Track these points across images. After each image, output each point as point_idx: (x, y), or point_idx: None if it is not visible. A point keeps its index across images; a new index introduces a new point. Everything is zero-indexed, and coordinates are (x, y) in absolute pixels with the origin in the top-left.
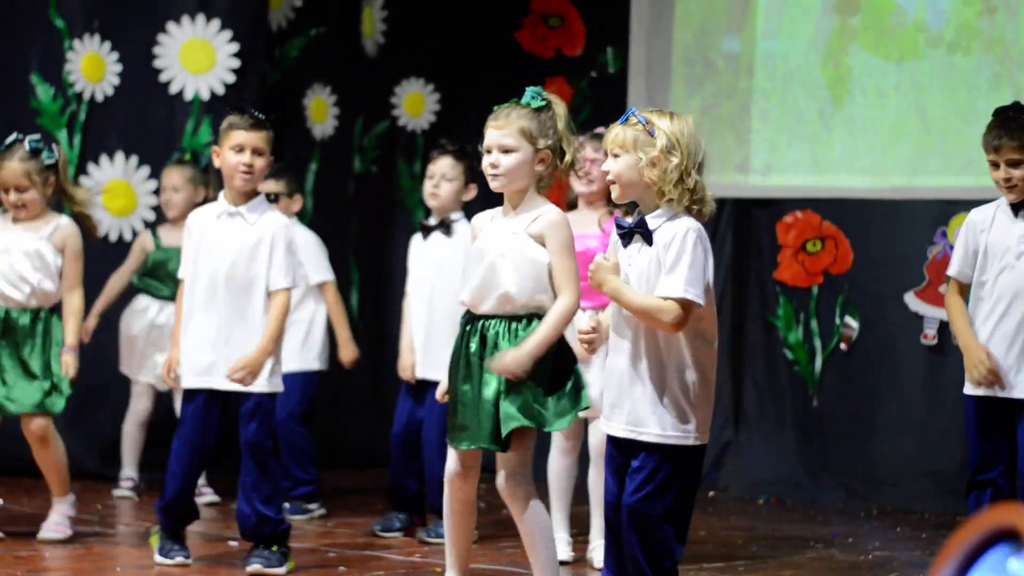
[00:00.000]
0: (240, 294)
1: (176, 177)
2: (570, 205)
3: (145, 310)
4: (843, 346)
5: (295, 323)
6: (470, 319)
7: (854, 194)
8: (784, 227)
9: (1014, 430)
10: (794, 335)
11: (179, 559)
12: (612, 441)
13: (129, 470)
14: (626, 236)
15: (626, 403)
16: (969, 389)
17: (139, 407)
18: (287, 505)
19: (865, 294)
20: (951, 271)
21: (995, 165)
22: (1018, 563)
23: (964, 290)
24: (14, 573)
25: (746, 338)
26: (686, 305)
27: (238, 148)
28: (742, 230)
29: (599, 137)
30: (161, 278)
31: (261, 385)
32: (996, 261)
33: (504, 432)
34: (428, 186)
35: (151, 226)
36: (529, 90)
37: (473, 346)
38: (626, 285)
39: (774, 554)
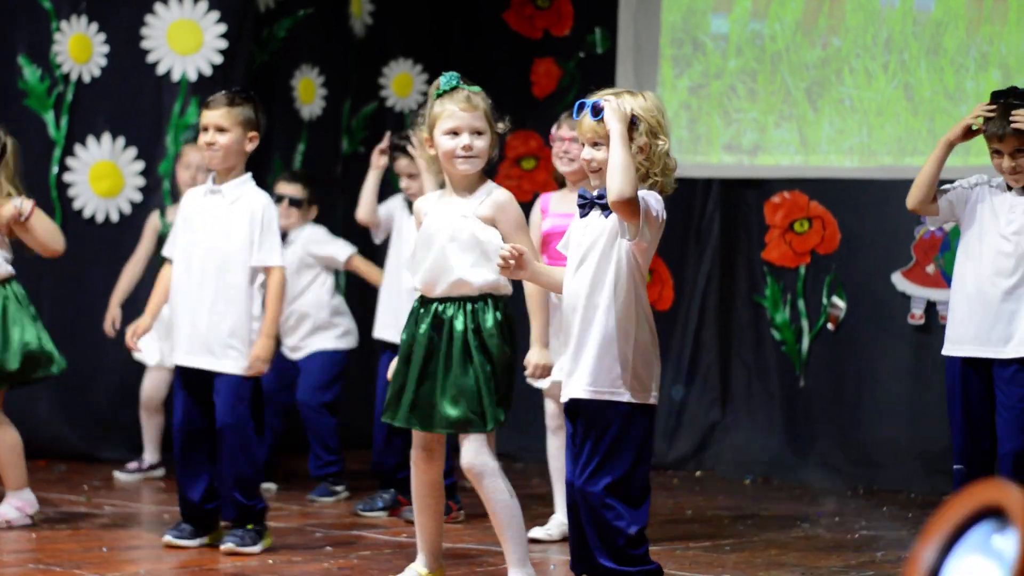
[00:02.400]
0: (217, 272)
1: (195, 155)
2: (560, 183)
3: None
4: (830, 326)
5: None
6: (423, 302)
7: (842, 174)
8: (772, 207)
9: (994, 398)
10: (781, 315)
11: (167, 538)
12: (569, 416)
13: (146, 454)
14: (586, 207)
15: (575, 369)
16: (949, 349)
17: (151, 391)
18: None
19: (852, 274)
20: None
21: (998, 153)
22: (1002, 540)
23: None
24: None
25: (733, 318)
26: (635, 202)
27: (203, 128)
28: (730, 210)
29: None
30: None
31: (227, 365)
32: (988, 229)
33: (439, 430)
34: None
35: (160, 207)
36: (452, 74)
37: (424, 328)
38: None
39: (761, 533)
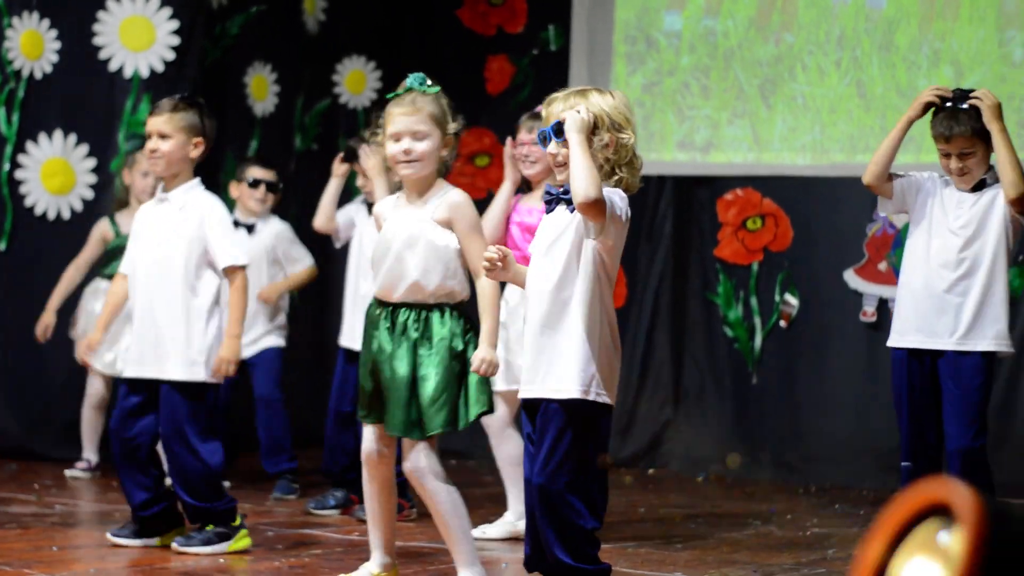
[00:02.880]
0: (167, 280)
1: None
2: (528, 185)
3: (102, 294)
4: (783, 323)
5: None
6: (379, 304)
7: (795, 171)
8: (725, 204)
9: (939, 391)
10: (734, 312)
11: (119, 539)
12: (528, 415)
13: (88, 452)
14: (552, 202)
15: (535, 365)
16: (895, 340)
17: (93, 391)
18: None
19: (805, 271)
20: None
21: (947, 155)
22: (948, 538)
23: (891, 179)
24: None
25: (686, 316)
26: (601, 203)
27: (147, 135)
28: (682, 208)
29: (537, 116)
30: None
31: (170, 372)
32: (936, 223)
33: (390, 432)
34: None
35: (109, 215)
36: (416, 76)
37: (383, 332)
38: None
39: (713, 531)
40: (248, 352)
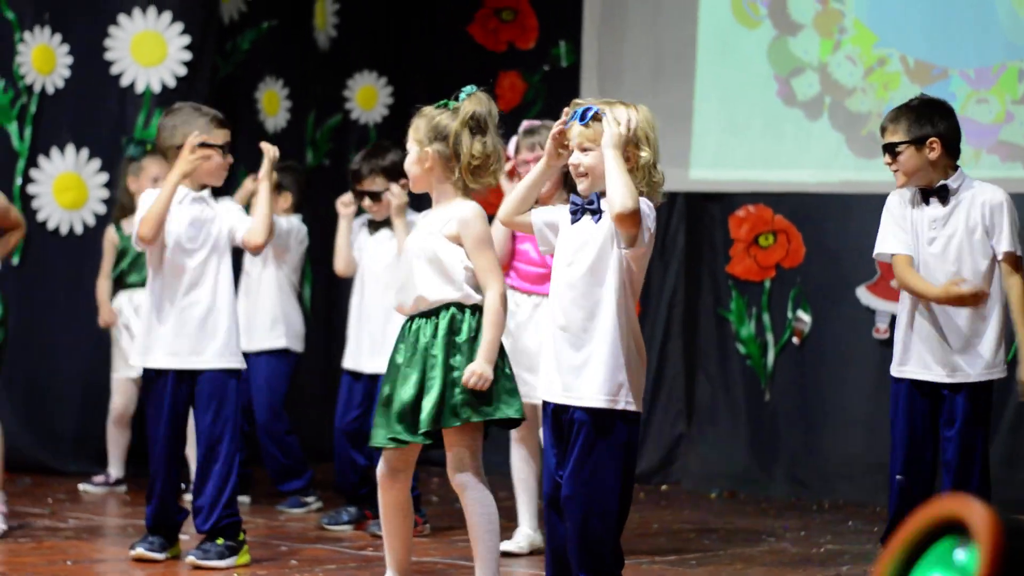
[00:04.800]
0: (200, 275)
1: (156, 168)
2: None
3: (118, 304)
4: (795, 340)
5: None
6: (406, 321)
7: (806, 188)
8: (736, 221)
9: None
10: (746, 329)
11: (138, 550)
12: (552, 423)
13: (111, 467)
14: (577, 212)
15: (562, 371)
16: (896, 371)
17: (114, 405)
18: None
19: (817, 288)
20: (896, 249)
21: (883, 150)
22: (964, 554)
23: (911, 262)
24: None
25: (699, 332)
26: (638, 215)
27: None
28: (694, 224)
29: (532, 132)
30: (128, 267)
31: (210, 361)
32: (912, 248)
33: (428, 426)
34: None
35: (114, 221)
36: (464, 90)
37: (401, 347)
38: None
39: (726, 547)
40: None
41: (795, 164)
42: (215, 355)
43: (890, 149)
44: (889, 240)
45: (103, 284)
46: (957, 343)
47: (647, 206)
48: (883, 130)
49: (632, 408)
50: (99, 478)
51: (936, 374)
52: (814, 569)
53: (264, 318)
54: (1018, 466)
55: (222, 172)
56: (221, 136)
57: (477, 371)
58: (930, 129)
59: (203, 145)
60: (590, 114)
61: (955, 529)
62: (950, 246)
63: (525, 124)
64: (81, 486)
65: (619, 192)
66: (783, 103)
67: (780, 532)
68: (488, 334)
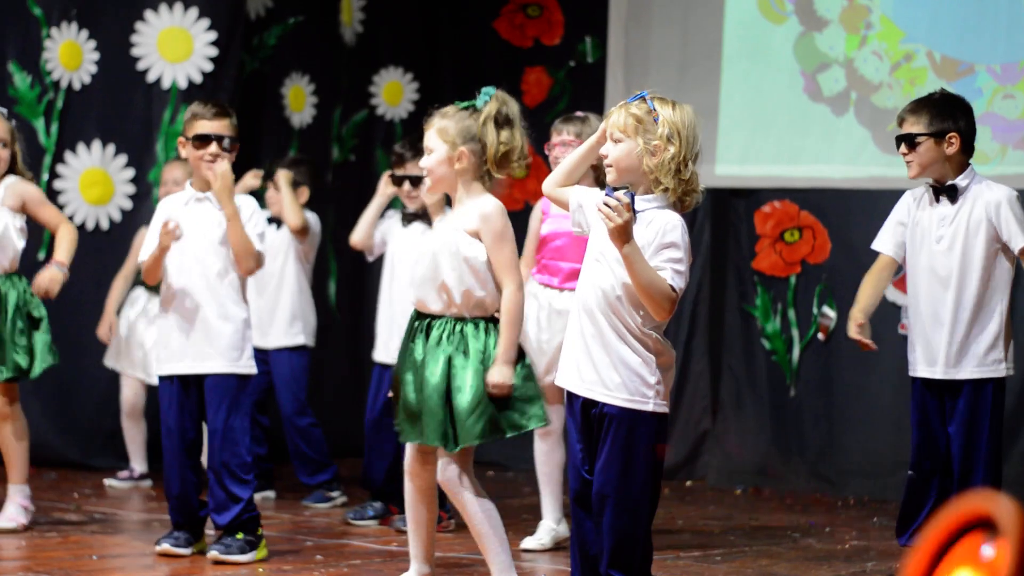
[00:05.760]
0: (211, 278)
1: (178, 171)
2: None
3: (138, 301)
4: (821, 336)
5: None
6: (418, 316)
7: (832, 184)
8: (762, 217)
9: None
10: (772, 325)
11: (164, 546)
12: (581, 410)
13: (132, 462)
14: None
15: (593, 366)
16: (910, 369)
17: (124, 399)
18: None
19: (843, 284)
20: (884, 249)
21: (899, 140)
22: (992, 551)
23: (892, 267)
24: None
25: (724, 328)
26: (675, 299)
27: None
28: (720, 220)
29: (570, 120)
30: None
31: (218, 365)
32: (921, 244)
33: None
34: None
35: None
36: (484, 89)
37: (418, 344)
38: (640, 256)
39: (751, 543)
40: (263, 345)
41: (821, 160)
42: (222, 359)
43: (909, 140)
44: (883, 238)
45: (118, 286)
46: (954, 340)
47: (680, 235)
48: (901, 121)
49: (661, 409)
50: (123, 473)
51: (936, 371)
52: (839, 565)
53: (284, 314)
54: None
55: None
56: (217, 127)
57: (497, 381)
58: (951, 124)
59: (197, 138)
60: (636, 98)
61: (983, 525)
62: (956, 243)
63: (576, 114)
64: (106, 481)
65: (647, 296)
66: (809, 99)
67: (805, 528)
68: (505, 334)
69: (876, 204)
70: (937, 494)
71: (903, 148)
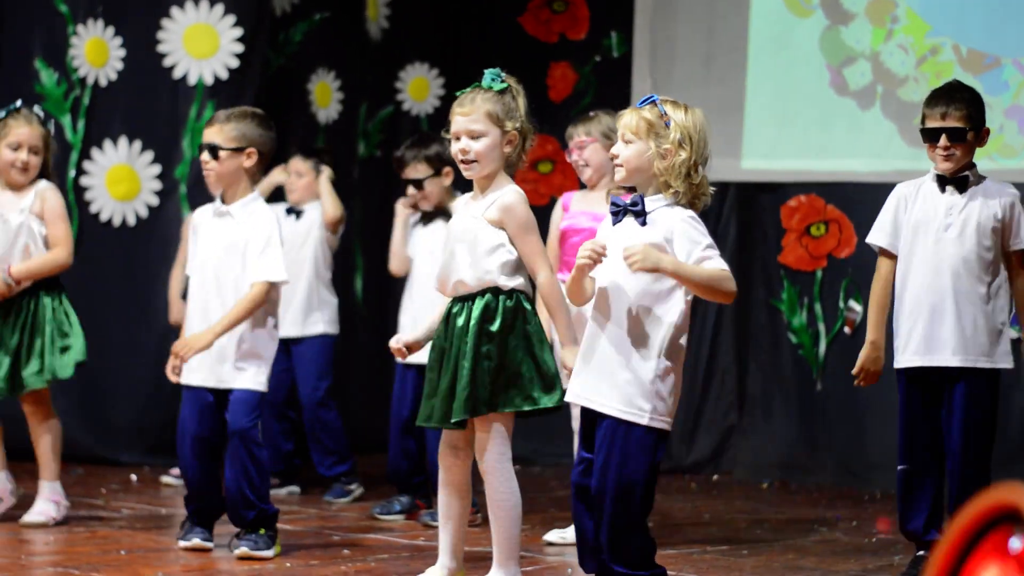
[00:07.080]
0: (226, 292)
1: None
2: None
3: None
4: (847, 330)
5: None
6: (449, 304)
7: (858, 178)
8: (788, 211)
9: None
10: (798, 319)
11: (195, 541)
12: (586, 421)
13: None
14: (619, 214)
15: (598, 377)
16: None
17: None
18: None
19: (869, 278)
20: (882, 242)
21: (935, 136)
22: (1019, 543)
23: (894, 265)
24: (17, 556)
25: (750, 322)
26: (730, 275)
27: (200, 148)
28: (746, 214)
29: (581, 121)
30: None
31: (244, 381)
32: (923, 234)
33: (458, 416)
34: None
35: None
36: (488, 72)
37: (441, 330)
38: (683, 263)
39: (778, 537)
40: (291, 333)
41: (847, 153)
42: (241, 376)
43: (959, 134)
44: (886, 231)
45: (178, 276)
46: (961, 330)
47: (697, 230)
48: (943, 114)
49: (659, 424)
50: (175, 470)
51: (936, 360)
52: (866, 559)
53: (300, 303)
54: None
55: (217, 178)
56: (207, 135)
57: (570, 364)
58: (984, 119)
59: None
60: (646, 102)
61: (1011, 517)
62: (965, 233)
63: (591, 113)
64: (163, 478)
65: (711, 291)
66: (835, 92)
67: (832, 522)
68: (557, 319)
69: None
70: (933, 485)
71: (944, 141)
